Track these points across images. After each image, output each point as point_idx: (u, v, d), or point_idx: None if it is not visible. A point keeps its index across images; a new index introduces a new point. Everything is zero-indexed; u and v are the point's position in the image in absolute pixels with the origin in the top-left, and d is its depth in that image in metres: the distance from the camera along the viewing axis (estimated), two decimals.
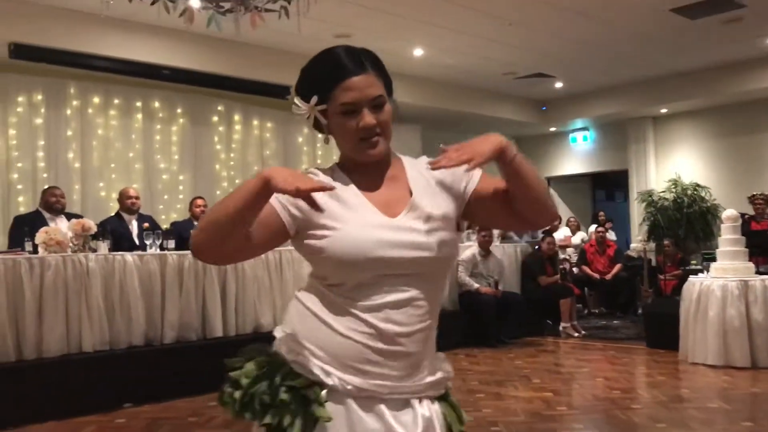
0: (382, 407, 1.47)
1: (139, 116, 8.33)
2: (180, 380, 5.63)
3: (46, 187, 6.83)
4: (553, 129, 12.63)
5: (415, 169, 1.59)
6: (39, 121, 7.57)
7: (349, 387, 1.45)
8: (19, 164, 7.40)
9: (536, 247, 9.23)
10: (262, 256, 6.63)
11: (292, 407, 1.43)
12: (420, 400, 1.52)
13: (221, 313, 6.18)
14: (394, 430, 1.46)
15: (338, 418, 1.44)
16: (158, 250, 6.09)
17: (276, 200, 1.44)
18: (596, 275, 10.08)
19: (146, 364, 5.64)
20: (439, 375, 1.56)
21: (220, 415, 5.15)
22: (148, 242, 6.21)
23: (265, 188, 1.35)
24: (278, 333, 1.56)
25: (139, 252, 6.03)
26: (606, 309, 10.61)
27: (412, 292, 1.48)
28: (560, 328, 8.63)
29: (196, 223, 7.27)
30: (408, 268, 1.47)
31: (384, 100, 1.51)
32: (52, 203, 6.47)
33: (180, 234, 6.77)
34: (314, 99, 1.50)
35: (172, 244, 6.34)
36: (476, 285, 7.99)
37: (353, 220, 1.46)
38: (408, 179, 1.56)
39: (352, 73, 1.48)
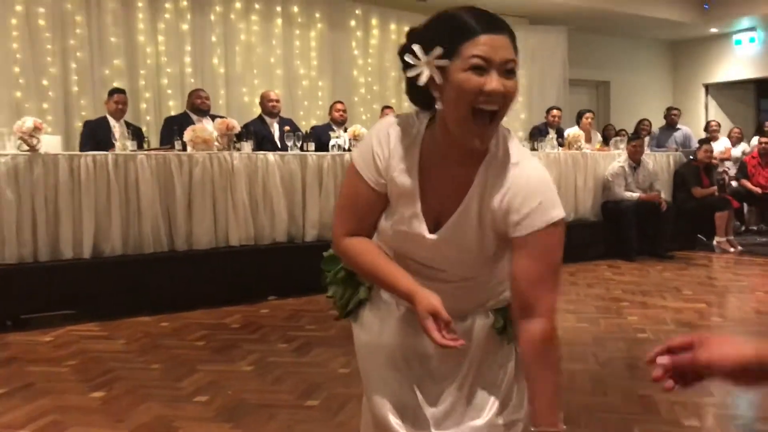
0: None
1: (279, 21, 8.34)
2: (321, 276, 5.74)
3: (192, 89, 7.03)
4: (714, 30, 11.46)
5: (492, 173, 1.41)
6: (185, 27, 7.75)
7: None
8: (168, 69, 7.66)
9: (691, 156, 8.56)
10: None
11: (346, 286, 1.65)
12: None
13: None
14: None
15: (379, 306, 1.59)
16: (299, 152, 6.16)
17: (367, 174, 1.46)
18: (757, 189, 9.24)
19: (289, 259, 5.79)
20: (493, 302, 1.59)
21: None
22: (288, 144, 6.28)
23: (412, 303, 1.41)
24: None
25: (281, 152, 6.13)
26: (767, 226, 9.78)
27: (446, 274, 1.51)
28: (714, 243, 8.04)
29: (335, 127, 7.28)
30: (439, 273, 1.50)
31: (516, 67, 1.33)
32: (198, 105, 6.68)
33: (320, 138, 6.81)
34: (437, 50, 1.31)
35: (312, 147, 6.38)
36: (636, 194, 7.56)
37: (398, 220, 1.47)
38: (474, 183, 1.41)
39: (488, 30, 1.31)
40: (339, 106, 7.58)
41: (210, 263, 5.50)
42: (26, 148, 5.01)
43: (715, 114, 12.11)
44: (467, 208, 1.41)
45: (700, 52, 11.83)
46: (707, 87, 12.31)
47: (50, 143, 5.42)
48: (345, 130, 7.12)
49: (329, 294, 1.73)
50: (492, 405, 1.55)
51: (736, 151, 10.37)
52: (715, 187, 8.38)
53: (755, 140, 10.09)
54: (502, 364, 1.61)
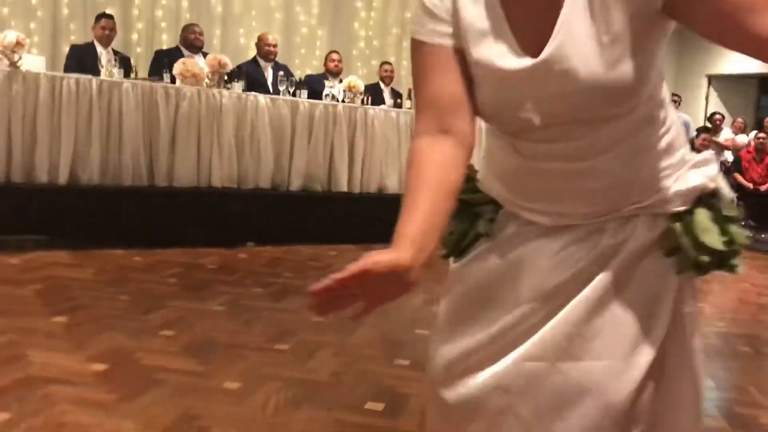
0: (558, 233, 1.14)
1: None
2: (303, 227, 5.62)
3: (186, 24, 6.78)
4: None
5: None
6: None
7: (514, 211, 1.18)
8: (164, 1, 7.38)
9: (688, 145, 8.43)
10: (393, 116, 6.38)
11: (461, 218, 1.21)
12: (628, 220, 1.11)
13: (347, 168, 6.05)
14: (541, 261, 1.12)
15: (506, 239, 1.17)
16: (291, 98, 5.98)
17: (426, 30, 1.07)
18: (750, 185, 9.17)
19: (272, 206, 5.64)
20: (658, 196, 1.11)
21: (340, 264, 5.10)
22: (281, 88, 6.10)
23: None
24: None
25: (272, 95, 5.93)
26: (755, 222, 9.72)
27: (566, 142, 1.08)
28: None
29: (330, 77, 7.06)
30: (557, 120, 1.06)
31: None
32: (191, 40, 6.44)
33: (313, 87, 6.62)
34: None
35: (304, 95, 6.21)
36: None
37: (484, 59, 1.05)
38: None
39: None
40: (334, 56, 7.35)
41: (190, 202, 5.34)
42: (7, 63, 4.78)
43: (715, 106, 11.98)
44: (571, 13, 1.01)
45: (701, 42, 11.64)
46: (710, 78, 12.16)
47: (34, 64, 5.20)
48: (340, 81, 6.92)
49: None
50: (629, 348, 1.09)
51: (743, 138, 10.21)
52: None
53: (753, 134, 10.01)
54: (660, 298, 1.10)
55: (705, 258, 1.09)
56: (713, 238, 1.09)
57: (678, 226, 1.10)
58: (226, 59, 5.67)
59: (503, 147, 1.16)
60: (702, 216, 1.11)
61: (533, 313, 1.11)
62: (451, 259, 1.25)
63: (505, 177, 1.19)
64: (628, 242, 1.09)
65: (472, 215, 1.22)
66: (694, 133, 8.75)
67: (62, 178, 4.89)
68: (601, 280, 1.08)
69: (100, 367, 2.67)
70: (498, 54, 1.04)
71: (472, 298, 1.17)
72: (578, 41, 1.00)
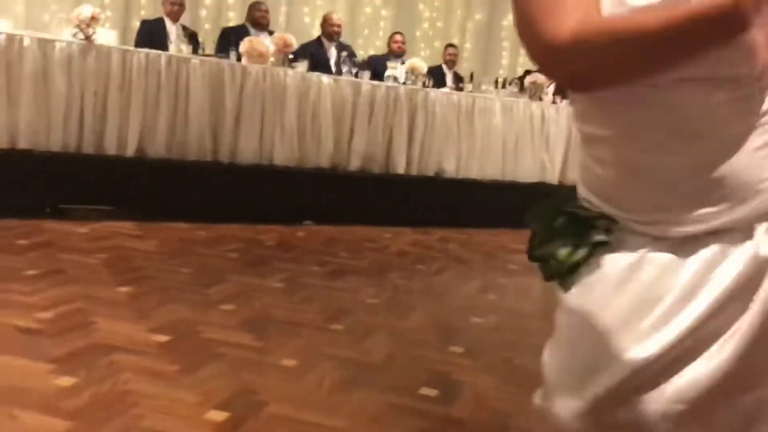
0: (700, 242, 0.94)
1: None
2: (360, 208, 5.65)
3: (252, 1, 6.84)
4: None
5: None
6: None
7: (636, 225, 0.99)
8: None
9: None
10: (454, 99, 6.34)
11: (573, 232, 1.02)
12: None
13: (406, 150, 6.05)
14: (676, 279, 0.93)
15: (630, 244, 0.97)
16: (354, 78, 6.00)
17: None
18: None
19: (330, 186, 5.68)
20: None
21: (395, 246, 5.13)
22: (344, 69, 6.12)
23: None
24: None
25: (335, 76, 5.96)
26: None
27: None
28: None
29: (393, 58, 7.04)
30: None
31: None
32: (258, 18, 6.50)
33: (376, 68, 6.62)
34: None
35: (367, 76, 6.21)
36: None
37: None
38: None
39: None
40: (398, 37, 7.33)
41: (251, 179, 5.41)
42: (82, 37, 4.92)
43: None
44: None
45: None
46: None
47: (106, 38, 5.33)
48: (402, 63, 6.90)
49: (541, 253, 1.05)
50: None
51: None
52: None
53: None
54: None
55: None
56: None
57: None
58: (291, 38, 5.72)
59: (601, 148, 1.00)
60: None
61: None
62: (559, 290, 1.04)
63: (604, 188, 1.01)
64: (747, 259, 0.91)
65: (583, 229, 1.01)
66: None
67: (130, 151, 5.03)
68: (711, 301, 0.92)
69: (162, 338, 2.75)
70: None
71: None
72: None
